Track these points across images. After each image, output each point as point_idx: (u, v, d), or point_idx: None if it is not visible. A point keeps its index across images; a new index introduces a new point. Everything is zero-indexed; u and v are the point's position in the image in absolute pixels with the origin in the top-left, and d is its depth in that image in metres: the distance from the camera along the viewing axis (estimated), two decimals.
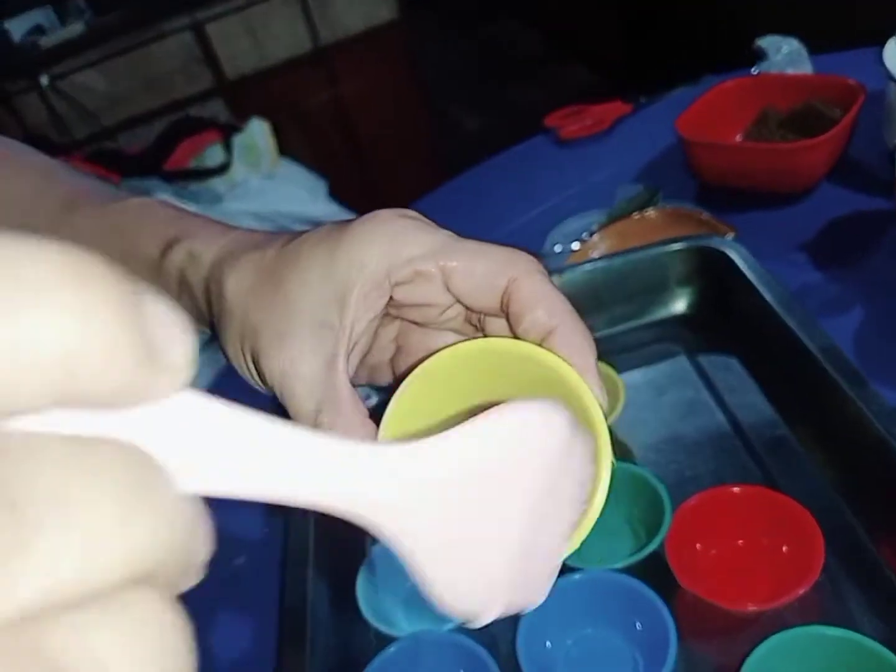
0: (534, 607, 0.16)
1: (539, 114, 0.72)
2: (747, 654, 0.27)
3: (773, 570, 0.31)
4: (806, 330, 0.37)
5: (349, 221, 0.22)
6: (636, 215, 0.52)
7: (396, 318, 0.24)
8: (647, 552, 0.32)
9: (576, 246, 0.52)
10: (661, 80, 0.72)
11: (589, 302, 0.45)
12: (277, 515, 0.42)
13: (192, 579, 0.09)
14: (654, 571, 0.31)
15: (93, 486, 0.08)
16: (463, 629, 0.32)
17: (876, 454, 0.32)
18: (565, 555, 0.18)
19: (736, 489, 0.33)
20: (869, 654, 0.26)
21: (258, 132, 1.25)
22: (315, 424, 0.21)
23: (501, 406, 0.15)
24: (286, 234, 0.23)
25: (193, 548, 0.09)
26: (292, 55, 1.40)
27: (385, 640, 0.33)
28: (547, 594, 0.17)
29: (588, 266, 0.45)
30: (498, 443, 0.14)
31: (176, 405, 0.09)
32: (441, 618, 0.32)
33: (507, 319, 0.22)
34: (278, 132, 1.29)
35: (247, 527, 0.43)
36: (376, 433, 0.20)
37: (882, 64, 0.48)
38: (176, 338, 0.09)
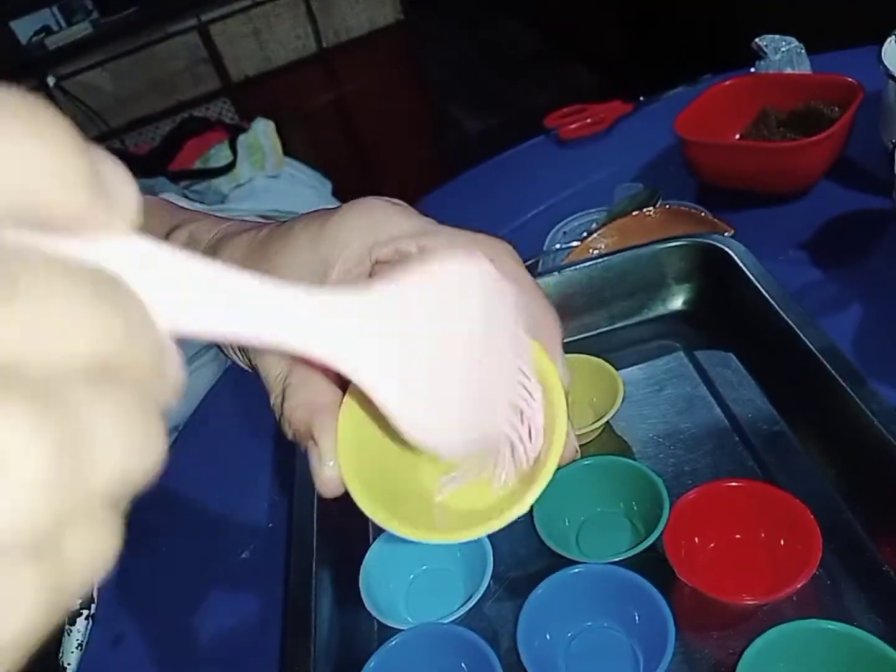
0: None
1: (541, 114, 0.73)
2: (745, 647, 0.27)
3: (770, 564, 0.32)
4: (804, 328, 0.37)
5: (338, 206, 0.23)
6: (636, 214, 0.52)
7: None
8: (645, 546, 0.32)
9: (576, 244, 0.53)
10: (663, 79, 0.72)
11: (589, 299, 0.46)
12: (282, 509, 0.43)
13: (165, 391, 0.10)
14: (652, 565, 0.31)
15: (75, 277, 0.09)
16: (464, 622, 0.32)
17: (874, 451, 0.32)
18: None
19: (733, 483, 0.33)
20: (866, 649, 0.27)
21: (263, 132, 1.26)
22: (284, 387, 0.21)
23: (429, 259, 0.16)
24: (279, 221, 0.25)
25: (159, 357, 0.10)
26: (297, 56, 1.41)
27: (387, 632, 0.34)
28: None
29: (588, 263, 0.46)
30: (433, 287, 0.16)
31: (133, 244, 0.10)
32: (442, 611, 0.33)
33: None
34: (283, 132, 1.30)
35: (251, 521, 0.44)
36: (341, 399, 0.21)
37: (880, 63, 0.48)
38: (124, 182, 0.10)
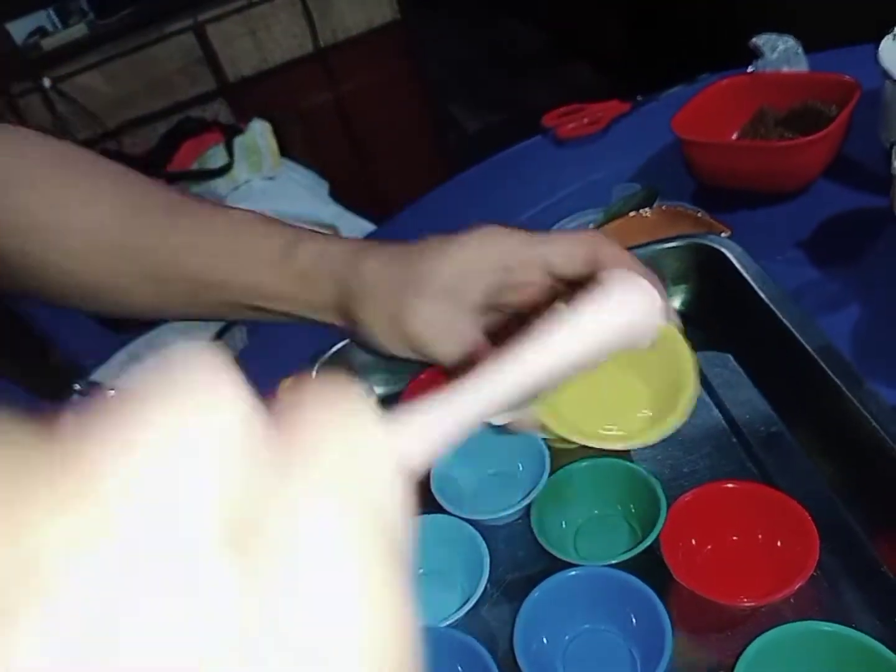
0: None
1: (541, 113, 0.73)
2: (743, 649, 0.27)
3: (768, 566, 0.31)
4: (802, 328, 0.37)
5: (467, 231, 0.29)
6: (633, 214, 0.52)
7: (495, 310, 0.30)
8: (642, 548, 0.32)
9: None
10: (664, 78, 0.72)
11: None
12: None
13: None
14: (649, 567, 0.31)
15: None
16: (460, 625, 0.32)
17: (872, 452, 0.32)
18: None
19: (731, 485, 0.33)
20: (864, 650, 0.27)
21: (260, 133, 1.25)
22: (454, 362, 0.28)
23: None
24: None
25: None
26: (293, 56, 1.40)
27: None
28: None
29: None
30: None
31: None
32: (439, 614, 0.33)
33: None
34: (280, 133, 1.29)
35: None
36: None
37: (878, 62, 0.48)
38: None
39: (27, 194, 0.30)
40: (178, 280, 0.30)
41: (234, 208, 0.32)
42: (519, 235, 0.28)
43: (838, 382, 0.34)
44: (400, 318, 0.28)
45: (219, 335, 0.87)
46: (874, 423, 0.32)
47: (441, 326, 0.28)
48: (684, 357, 0.28)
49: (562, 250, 0.28)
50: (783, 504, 0.32)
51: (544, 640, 0.31)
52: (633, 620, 0.31)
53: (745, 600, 0.30)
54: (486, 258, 0.28)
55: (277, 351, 0.56)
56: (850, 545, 0.32)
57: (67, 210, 0.30)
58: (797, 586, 0.29)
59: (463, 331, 0.28)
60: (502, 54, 2.42)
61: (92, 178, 0.31)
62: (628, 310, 0.22)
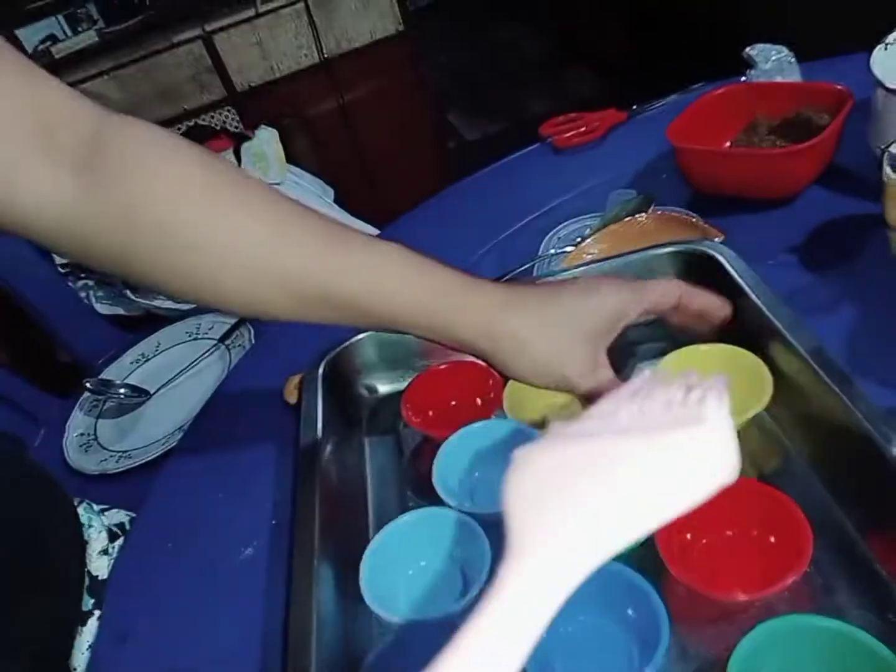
0: None
1: (540, 122, 0.74)
2: (738, 642, 0.28)
3: (761, 560, 0.32)
4: (794, 331, 0.38)
5: (587, 280, 0.36)
6: (629, 219, 0.53)
7: None
8: (639, 542, 0.33)
9: (570, 249, 0.54)
10: (665, 83, 0.73)
11: None
12: (285, 507, 0.44)
13: None
14: (646, 561, 0.32)
15: None
16: (461, 619, 0.33)
17: (863, 451, 0.33)
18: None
19: None
20: (857, 644, 0.27)
21: (267, 140, 1.27)
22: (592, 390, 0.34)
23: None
24: (525, 283, 0.39)
25: None
26: (299, 66, 1.42)
27: (387, 627, 0.35)
28: None
29: (581, 269, 0.46)
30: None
31: None
32: (438, 609, 0.34)
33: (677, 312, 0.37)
34: (286, 140, 1.31)
35: (255, 519, 0.45)
36: None
37: (869, 70, 0.49)
38: None
39: (178, 209, 0.30)
40: (324, 304, 0.32)
41: (388, 244, 0.34)
42: (629, 286, 0.35)
43: (830, 383, 0.35)
44: (554, 363, 0.34)
45: (226, 335, 0.88)
46: (865, 423, 0.33)
47: (589, 366, 0.34)
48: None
49: (661, 296, 0.36)
50: (777, 500, 0.32)
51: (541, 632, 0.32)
52: (630, 612, 0.31)
53: (740, 594, 0.30)
54: (614, 307, 0.34)
55: (284, 350, 0.57)
56: (843, 541, 0.33)
57: (217, 228, 0.30)
58: (790, 581, 0.29)
59: (602, 364, 0.34)
60: (503, 60, 2.44)
61: (242, 194, 0.31)
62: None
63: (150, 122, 0.32)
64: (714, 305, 0.38)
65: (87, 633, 0.43)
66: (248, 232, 0.31)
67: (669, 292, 0.36)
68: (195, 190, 0.30)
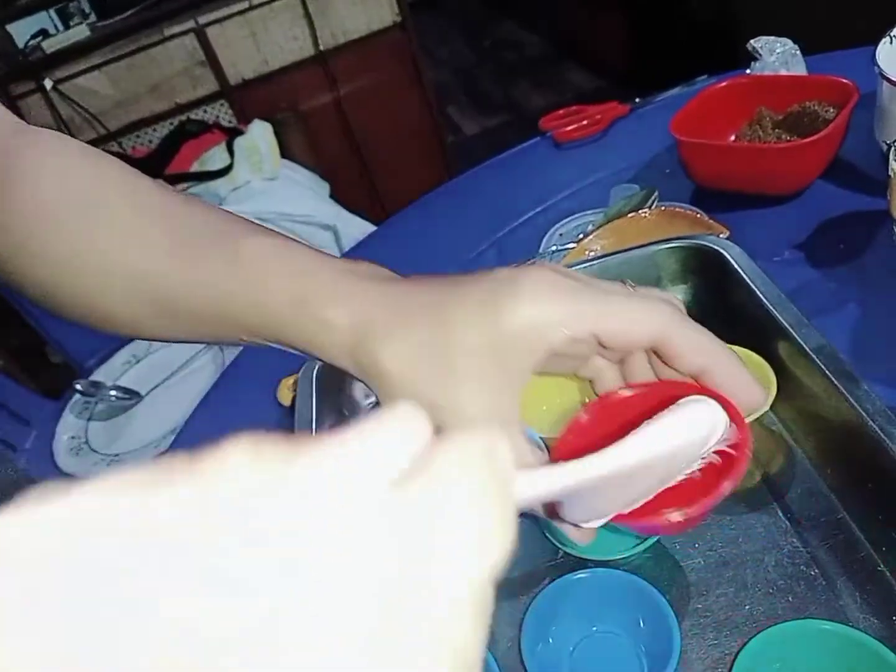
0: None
1: (540, 115, 0.73)
2: (741, 647, 0.28)
3: (704, 474, 0.22)
4: (799, 328, 0.37)
5: (497, 280, 0.23)
6: (632, 215, 0.52)
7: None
8: (649, 544, 0.32)
9: (572, 246, 0.53)
10: (663, 80, 0.72)
11: None
12: None
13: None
14: (654, 565, 0.31)
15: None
16: None
17: (869, 451, 0.32)
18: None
19: (627, 392, 0.25)
20: (862, 649, 0.27)
21: (260, 135, 1.26)
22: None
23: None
24: (417, 283, 0.24)
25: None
26: (294, 59, 1.41)
27: None
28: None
29: (584, 265, 0.46)
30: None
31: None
32: None
33: (656, 355, 0.24)
34: (280, 134, 1.30)
35: None
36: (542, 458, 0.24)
37: (875, 64, 0.48)
38: None
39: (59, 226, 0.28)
40: (190, 317, 0.28)
41: (267, 239, 0.27)
42: (578, 292, 0.23)
43: (835, 382, 0.34)
44: (436, 414, 0.21)
45: None
46: (870, 423, 0.32)
47: (490, 418, 0.22)
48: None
49: (622, 332, 0.22)
50: (689, 392, 0.23)
51: (550, 642, 0.31)
52: (641, 622, 0.31)
53: (675, 514, 0.22)
54: (530, 324, 0.22)
55: (277, 351, 0.56)
56: (849, 545, 0.32)
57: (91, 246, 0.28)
58: (724, 488, 0.21)
59: (505, 409, 0.23)
60: (501, 57, 2.43)
61: (131, 206, 0.28)
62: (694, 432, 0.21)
63: (71, 138, 0.31)
64: (737, 383, 0.23)
65: None
66: (110, 240, 0.28)
67: (646, 320, 0.23)
68: (74, 201, 0.28)
